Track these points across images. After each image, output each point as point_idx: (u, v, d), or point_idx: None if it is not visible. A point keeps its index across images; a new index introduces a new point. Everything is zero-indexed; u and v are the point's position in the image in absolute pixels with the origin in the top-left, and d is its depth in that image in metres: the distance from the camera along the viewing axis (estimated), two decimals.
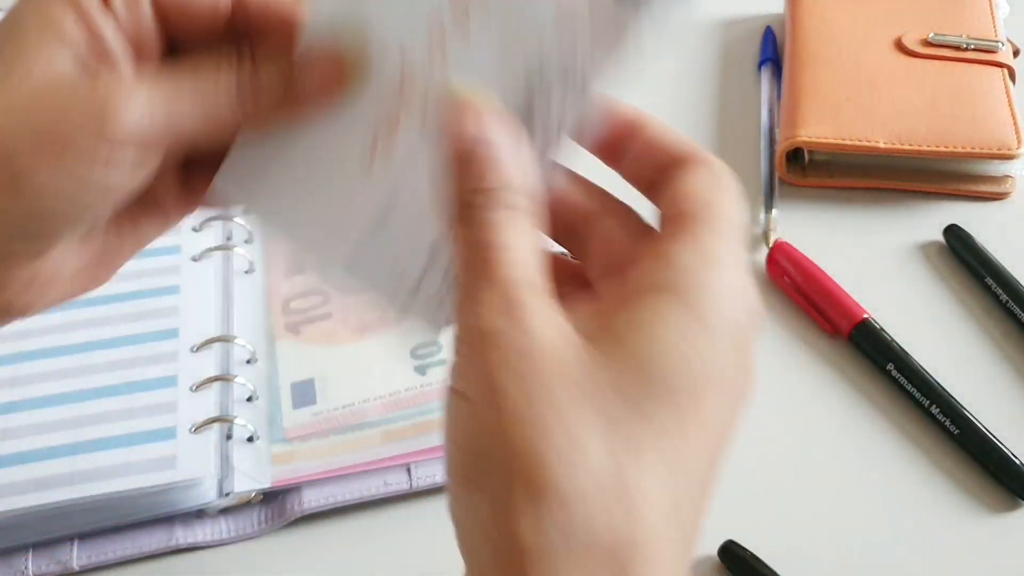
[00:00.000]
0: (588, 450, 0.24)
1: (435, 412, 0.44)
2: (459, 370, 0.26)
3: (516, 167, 0.27)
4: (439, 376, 0.46)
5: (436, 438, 0.44)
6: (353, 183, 0.31)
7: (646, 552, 0.24)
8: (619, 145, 0.31)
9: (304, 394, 0.46)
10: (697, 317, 0.26)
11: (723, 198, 0.29)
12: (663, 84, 0.67)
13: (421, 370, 0.46)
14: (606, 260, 0.30)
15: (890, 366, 0.47)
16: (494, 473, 0.24)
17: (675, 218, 0.28)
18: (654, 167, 0.30)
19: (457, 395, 0.25)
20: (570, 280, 0.30)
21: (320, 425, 0.45)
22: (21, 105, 0.28)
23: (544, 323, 0.25)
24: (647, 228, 0.30)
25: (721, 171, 0.30)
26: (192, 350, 0.47)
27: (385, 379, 0.46)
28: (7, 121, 0.28)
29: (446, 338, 0.42)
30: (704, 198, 0.28)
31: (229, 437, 0.44)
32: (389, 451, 0.44)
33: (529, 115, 0.29)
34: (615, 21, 0.29)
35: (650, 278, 0.27)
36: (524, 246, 0.26)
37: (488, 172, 0.27)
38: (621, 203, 0.31)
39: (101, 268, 0.33)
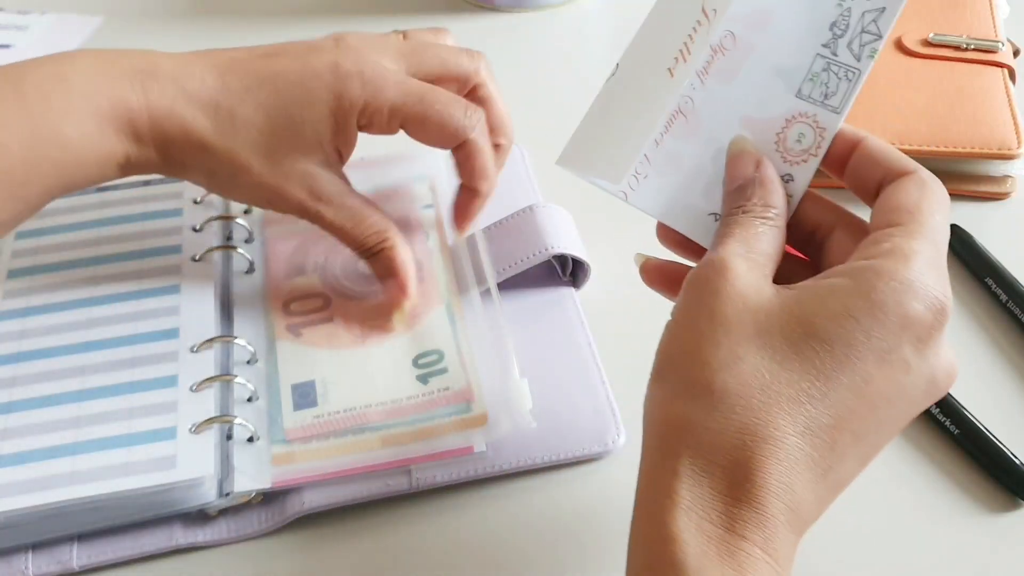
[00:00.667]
0: (745, 362, 0.32)
1: (436, 419, 0.44)
2: (676, 304, 0.35)
3: (773, 195, 0.37)
4: (441, 385, 0.46)
5: (437, 443, 0.44)
6: (660, 90, 0.39)
7: (771, 448, 0.31)
8: (843, 159, 0.38)
9: (305, 396, 0.46)
10: (864, 295, 0.32)
11: (926, 205, 0.35)
12: None
13: (423, 379, 0.46)
14: (835, 264, 0.35)
15: None
16: (674, 369, 0.33)
17: (882, 225, 0.34)
18: (871, 179, 0.37)
19: (671, 320, 0.35)
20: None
21: (321, 427, 0.44)
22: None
23: (745, 281, 0.33)
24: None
25: (929, 181, 0.36)
26: (192, 350, 0.47)
27: (387, 386, 0.46)
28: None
29: (448, 349, 0.43)
30: (909, 206, 0.35)
31: (229, 437, 0.44)
32: (389, 455, 0.44)
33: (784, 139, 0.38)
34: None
35: (840, 268, 0.33)
36: (759, 238, 0.35)
37: (752, 195, 0.37)
38: (854, 217, 0.38)
39: None
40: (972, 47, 0.61)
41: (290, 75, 0.46)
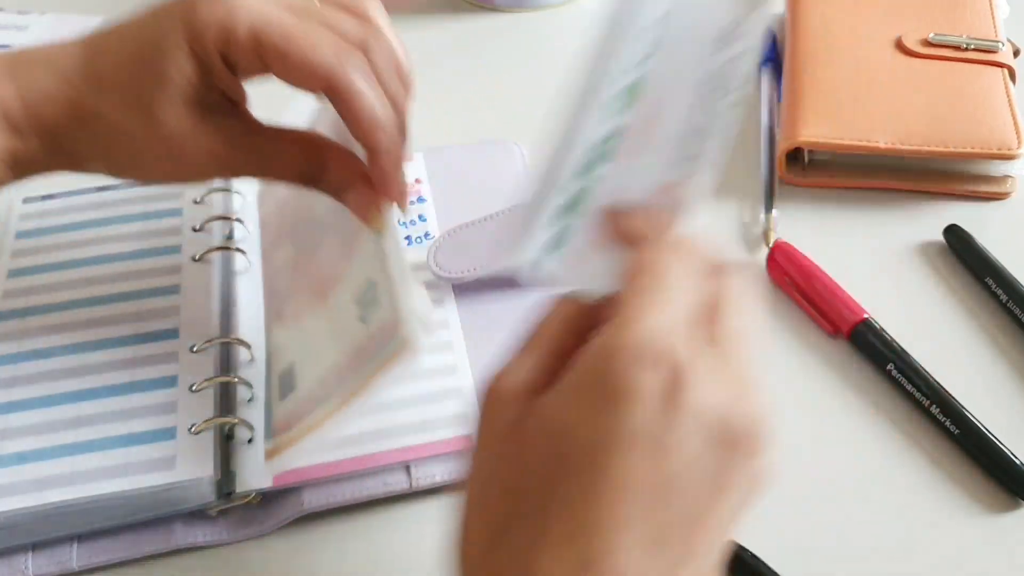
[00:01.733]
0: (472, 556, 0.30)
1: (379, 358, 0.40)
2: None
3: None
4: (378, 321, 0.41)
5: (433, 435, 0.44)
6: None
7: None
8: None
9: (287, 382, 0.45)
10: (577, 396, 0.30)
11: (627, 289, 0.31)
12: None
13: (364, 319, 0.42)
14: None
15: (890, 366, 0.47)
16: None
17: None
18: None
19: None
20: None
21: (299, 410, 0.43)
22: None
23: (508, 387, 0.31)
24: None
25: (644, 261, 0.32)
26: (192, 350, 0.47)
27: (340, 339, 0.43)
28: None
29: (378, 278, 0.42)
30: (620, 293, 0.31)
31: (229, 438, 0.44)
32: (383, 447, 0.43)
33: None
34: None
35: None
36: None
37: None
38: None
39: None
40: (972, 47, 0.61)
41: (144, 19, 0.41)
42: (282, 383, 0.45)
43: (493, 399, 0.31)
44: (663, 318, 0.29)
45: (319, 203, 0.44)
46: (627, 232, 0.34)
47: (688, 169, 0.35)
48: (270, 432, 0.44)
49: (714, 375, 0.29)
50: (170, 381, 0.46)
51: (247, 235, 0.54)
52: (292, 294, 0.48)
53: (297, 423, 0.42)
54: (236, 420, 0.44)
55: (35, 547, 0.42)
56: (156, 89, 0.40)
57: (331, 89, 0.39)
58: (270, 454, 0.43)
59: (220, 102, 0.42)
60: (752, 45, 0.35)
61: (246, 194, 0.56)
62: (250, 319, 0.49)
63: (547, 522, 0.28)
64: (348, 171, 0.42)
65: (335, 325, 0.43)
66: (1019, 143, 0.56)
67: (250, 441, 0.44)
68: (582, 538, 0.28)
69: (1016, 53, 0.63)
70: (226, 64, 0.40)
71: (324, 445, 0.44)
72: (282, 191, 0.53)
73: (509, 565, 0.29)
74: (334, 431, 0.41)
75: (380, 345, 0.39)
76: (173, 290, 0.50)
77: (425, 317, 0.39)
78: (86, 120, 0.41)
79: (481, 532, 0.30)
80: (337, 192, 0.43)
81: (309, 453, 0.43)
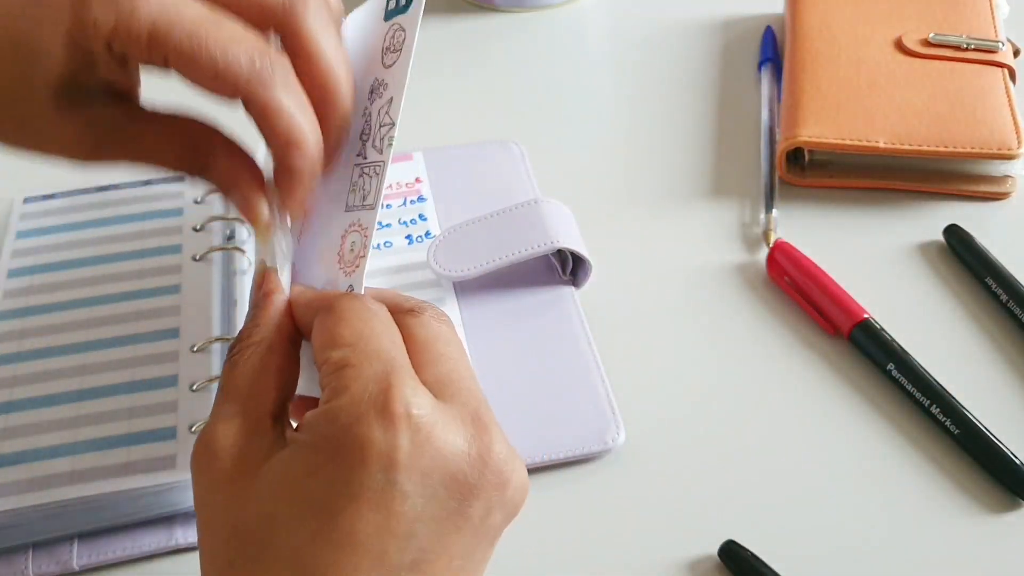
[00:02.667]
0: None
1: None
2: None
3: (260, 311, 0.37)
4: None
5: None
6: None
7: None
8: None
9: None
10: (309, 457, 0.31)
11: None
12: (663, 84, 0.67)
13: None
14: None
15: (890, 366, 0.47)
16: None
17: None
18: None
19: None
20: None
21: None
22: None
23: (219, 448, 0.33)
24: None
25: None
26: (193, 350, 0.47)
27: None
28: None
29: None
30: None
31: None
32: None
33: None
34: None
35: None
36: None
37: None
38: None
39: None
40: (972, 47, 0.61)
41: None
42: None
43: (206, 455, 0.32)
44: (367, 380, 0.31)
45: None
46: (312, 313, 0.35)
47: (359, 210, 0.37)
48: None
49: (438, 415, 0.31)
50: (171, 380, 0.46)
51: (247, 235, 0.54)
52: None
53: None
54: None
55: (35, 546, 0.42)
56: (18, 76, 0.36)
57: (244, 100, 0.35)
58: None
59: (99, 91, 0.37)
60: (395, 92, 0.37)
61: None
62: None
63: (273, 566, 0.29)
64: (235, 168, 0.38)
65: None
66: (1019, 143, 0.56)
67: None
68: None
69: (1016, 53, 0.63)
70: (111, 50, 0.35)
71: None
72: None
73: None
74: None
75: None
76: (174, 290, 0.50)
77: None
78: None
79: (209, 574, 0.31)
80: (223, 188, 0.39)
81: None
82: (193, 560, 0.42)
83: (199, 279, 0.51)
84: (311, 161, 0.36)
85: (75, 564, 0.42)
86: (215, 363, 0.47)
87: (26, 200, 0.56)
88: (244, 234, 0.54)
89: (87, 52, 0.35)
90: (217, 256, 0.52)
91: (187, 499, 0.42)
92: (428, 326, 0.34)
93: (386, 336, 0.33)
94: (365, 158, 0.37)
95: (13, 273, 0.52)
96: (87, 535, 0.42)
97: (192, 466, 0.33)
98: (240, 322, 0.49)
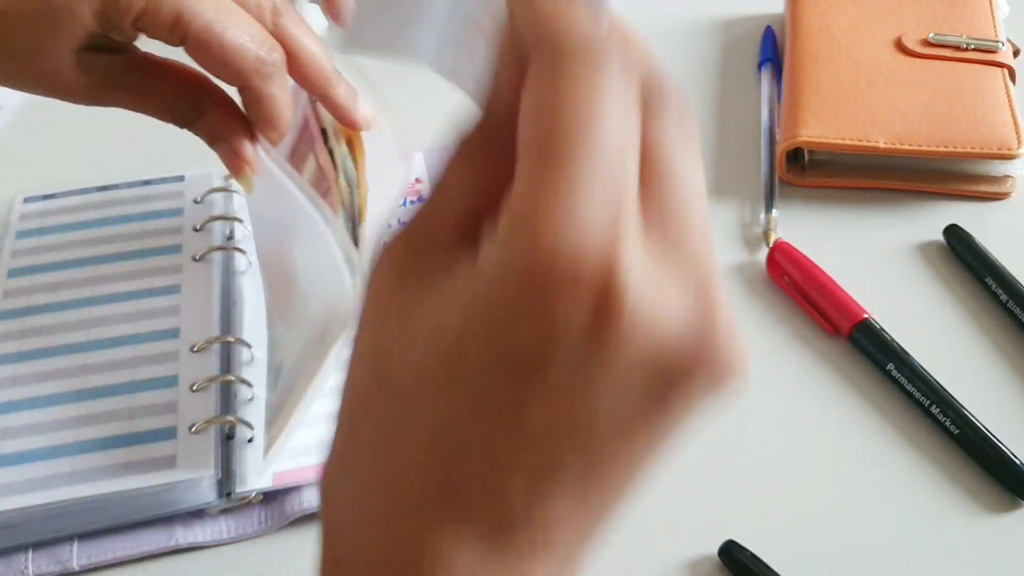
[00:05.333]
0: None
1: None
2: None
3: None
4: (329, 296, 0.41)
5: None
6: None
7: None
8: None
9: (276, 377, 0.45)
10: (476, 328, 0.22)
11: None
12: None
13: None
14: None
15: (890, 366, 0.48)
16: None
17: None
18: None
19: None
20: None
21: (280, 401, 0.44)
22: None
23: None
24: None
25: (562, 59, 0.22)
26: (193, 350, 0.47)
27: (304, 323, 0.42)
28: None
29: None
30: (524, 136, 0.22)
31: (230, 437, 0.44)
32: None
33: None
34: None
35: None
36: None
37: None
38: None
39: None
40: (972, 47, 0.61)
41: None
42: (275, 378, 0.45)
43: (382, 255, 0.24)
44: (586, 206, 0.20)
45: (290, 195, 0.44)
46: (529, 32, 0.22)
47: None
48: (268, 428, 0.44)
49: (659, 282, 0.21)
50: (171, 381, 0.46)
51: (247, 235, 0.54)
52: (279, 292, 0.48)
53: (279, 415, 0.43)
54: (236, 419, 0.44)
55: (35, 546, 0.42)
56: (48, 37, 0.39)
57: (243, 90, 0.41)
58: (266, 449, 0.43)
59: (108, 44, 0.41)
60: None
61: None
62: (252, 318, 0.49)
63: (403, 445, 0.22)
64: (225, 120, 0.42)
65: (298, 317, 0.43)
66: (1019, 143, 0.56)
67: (251, 441, 0.44)
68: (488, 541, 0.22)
69: (1016, 53, 0.63)
70: (137, 28, 0.39)
71: (325, 444, 0.44)
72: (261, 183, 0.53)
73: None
74: (303, 418, 0.41)
75: (325, 331, 0.39)
76: (174, 290, 0.50)
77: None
78: None
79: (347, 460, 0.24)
80: (211, 140, 0.42)
81: (305, 449, 0.43)
82: (193, 560, 0.43)
83: (199, 279, 0.51)
84: (282, 137, 0.42)
85: (75, 564, 0.42)
86: (215, 363, 0.47)
87: (26, 200, 0.56)
88: (244, 234, 0.54)
89: (113, 24, 0.39)
90: (217, 256, 0.52)
91: (187, 499, 0.42)
92: (671, 128, 0.23)
93: (619, 134, 0.21)
94: None
95: (13, 273, 0.52)
96: (87, 535, 0.42)
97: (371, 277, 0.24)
98: (239, 322, 0.49)
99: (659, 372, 0.22)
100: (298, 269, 0.44)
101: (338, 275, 0.38)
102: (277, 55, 0.40)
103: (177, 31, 0.39)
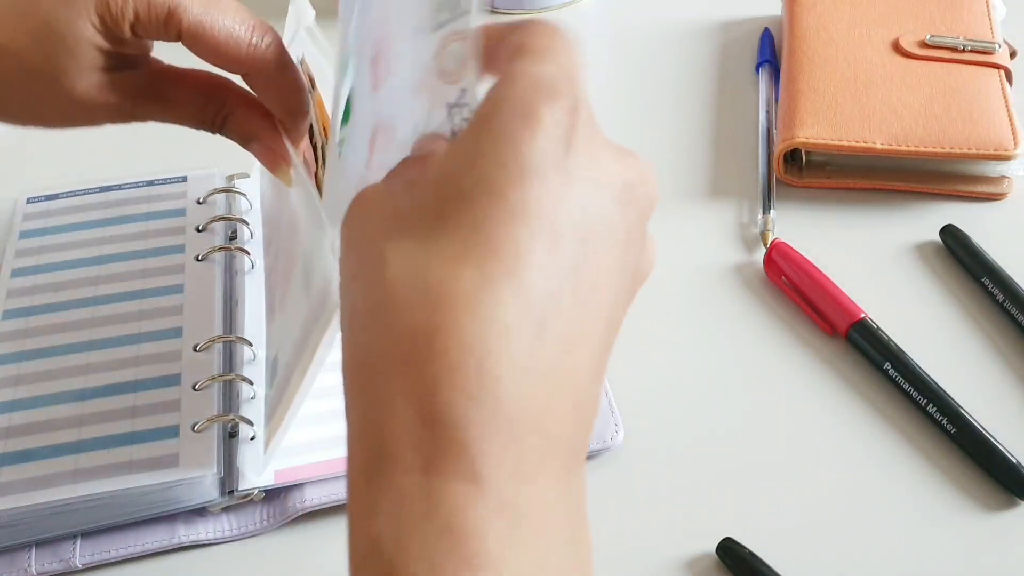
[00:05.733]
0: (388, 262, 0.26)
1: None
2: None
3: None
4: (318, 282, 0.40)
5: None
6: None
7: (448, 333, 0.25)
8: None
9: (273, 371, 0.45)
10: (475, 132, 0.28)
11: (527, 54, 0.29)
12: (662, 85, 0.67)
13: (307, 289, 0.42)
14: None
15: (887, 365, 0.48)
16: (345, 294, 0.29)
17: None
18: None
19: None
20: None
21: (276, 395, 0.44)
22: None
23: (372, 189, 0.30)
24: None
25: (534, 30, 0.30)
26: (195, 349, 0.47)
27: (296, 315, 0.42)
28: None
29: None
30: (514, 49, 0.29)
31: (232, 436, 0.45)
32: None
33: None
34: None
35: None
36: None
37: None
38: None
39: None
40: (969, 48, 0.61)
41: None
42: (272, 372, 0.45)
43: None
44: (555, 68, 0.28)
45: (288, 190, 0.44)
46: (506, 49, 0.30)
47: (452, 19, 0.32)
48: (267, 423, 0.44)
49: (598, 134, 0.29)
50: (173, 380, 0.46)
51: (250, 235, 0.54)
52: (278, 285, 0.48)
53: (276, 408, 0.43)
54: (238, 418, 0.45)
55: (38, 545, 0.42)
56: (64, 60, 0.40)
57: (247, 78, 0.42)
58: (266, 442, 0.44)
59: (125, 59, 0.42)
60: None
61: (249, 194, 0.56)
62: (253, 317, 0.50)
63: (438, 244, 0.26)
64: (254, 119, 0.43)
65: (295, 304, 0.43)
66: (1015, 144, 0.56)
67: (253, 439, 0.44)
68: (479, 259, 0.26)
69: (1012, 54, 0.63)
70: (135, 33, 0.40)
71: (326, 442, 0.45)
72: (268, 185, 0.54)
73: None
74: (298, 409, 0.41)
75: (319, 311, 0.38)
76: (176, 289, 0.50)
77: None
78: None
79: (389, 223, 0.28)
80: (243, 140, 0.44)
81: (307, 446, 0.44)
82: (195, 558, 0.43)
83: (202, 279, 0.51)
84: (307, 120, 0.43)
85: (78, 562, 0.42)
86: (217, 362, 0.47)
87: (29, 200, 0.57)
88: (246, 234, 0.54)
89: (115, 33, 0.40)
90: (219, 256, 0.52)
91: (189, 497, 0.43)
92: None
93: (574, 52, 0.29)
94: None
95: (16, 273, 0.52)
96: (90, 532, 0.43)
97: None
98: (241, 322, 0.49)
99: (619, 173, 0.29)
100: (296, 261, 0.44)
101: (324, 260, 0.38)
102: (269, 38, 0.41)
103: (171, 28, 0.40)
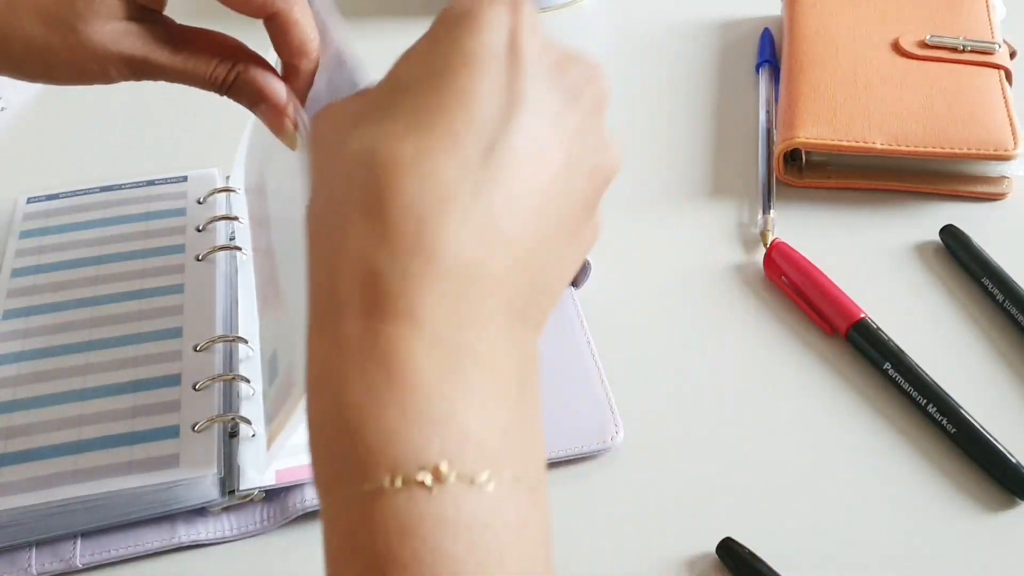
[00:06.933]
0: (348, 144, 0.30)
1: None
2: None
3: None
4: None
5: None
6: None
7: (392, 197, 0.29)
8: None
9: (273, 370, 0.45)
10: (424, 39, 0.32)
11: None
12: (661, 85, 0.67)
13: None
14: None
15: (887, 366, 0.48)
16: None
17: None
18: None
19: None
20: None
21: (280, 395, 0.43)
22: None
23: (334, 103, 0.35)
24: None
25: None
26: (195, 349, 0.47)
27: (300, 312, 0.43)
28: None
29: None
30: None
31: (232, 435, 0.45)
32: None
33: None
34: None
35: None
36: None
37: None
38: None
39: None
40: (969, 49, 0.61)
41: None
42: (270, 370, 0.45)
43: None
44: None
45: (279, 177, 0.44)
46: None
47: None
48: (268, 423, 0.44)
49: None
50: (173, 380, 0.46)
51: (244, 231, 0.54)
52: (272, 279, 0.48)
53: (280, 409, 0.42)
54: (238, 417, 0.45)
55: (38, 544, 0.42)
56: (83, 11, 0.41)
57: (268, 20, 0.42)
58: (268, 442, 0.43)
59: (141, 11, 0.42)
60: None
61: (239, 190, 0.56)
62: (247, 314, 0.50)
63: (386, 126, 0.30)
64: (262, 80, 0.43)
65: (296, 298, 0.43)
66: (1015, 144, 0.56)
67: (253, 438, 0.44)
68: (420, 133, 0.29)
69: (1012, 55, 0.63)
70: None
71: None
72: (255, 176, 0.53)
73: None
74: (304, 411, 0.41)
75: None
76: (176, 289, 0.51)
77: None
78: None
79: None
80: (251, 103, 0.44)
81: (300, 444, 0.43)
82: (195, 558, 0.43)
83: (202, 279, 0.51)
84: (314, 64, 0.44)
85: (78, 562, 0.42)
86: (218, 362, 0.47)
87: (29, 200, 0.57)
88: (246, 234, 0.54)
89: None
90: (220, 256, 0.52)
91: (189, 497, 0.43)
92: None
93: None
94: None
95: (16, 273, 0.52)
96: (90, 532, 0.43)
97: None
98: (242, 321, 0.49)
99: (564, 70, 0.32)
100: (295, 243, 0.44)
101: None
102: None
103: None
